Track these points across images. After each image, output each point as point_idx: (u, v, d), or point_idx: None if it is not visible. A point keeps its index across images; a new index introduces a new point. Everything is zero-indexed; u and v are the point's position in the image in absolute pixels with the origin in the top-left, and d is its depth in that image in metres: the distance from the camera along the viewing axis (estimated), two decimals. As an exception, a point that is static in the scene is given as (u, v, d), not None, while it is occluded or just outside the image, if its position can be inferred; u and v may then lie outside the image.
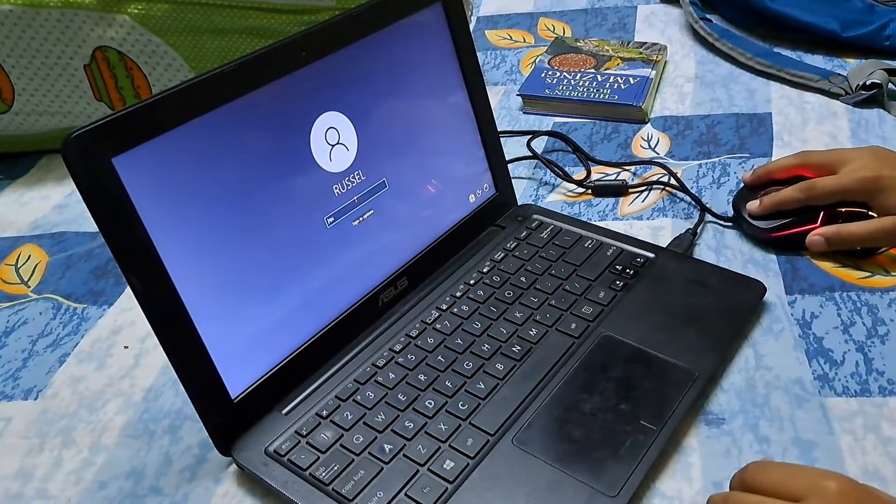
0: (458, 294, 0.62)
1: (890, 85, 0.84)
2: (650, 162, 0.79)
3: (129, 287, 0.46)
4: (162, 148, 0.47)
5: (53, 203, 0.86)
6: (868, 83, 0.84)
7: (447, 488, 0.48)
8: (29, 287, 0.73)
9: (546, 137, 0.86)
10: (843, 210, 0.64)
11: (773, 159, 0.78)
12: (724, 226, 0.70)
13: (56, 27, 0.82)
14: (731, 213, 0.71)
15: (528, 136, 0.84)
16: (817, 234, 0.64)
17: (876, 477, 0.48)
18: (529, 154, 0.82)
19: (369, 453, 0.50)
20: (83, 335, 0.66)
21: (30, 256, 0.77)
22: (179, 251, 0.48)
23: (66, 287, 0.72)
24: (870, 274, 0.63)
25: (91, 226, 0.79)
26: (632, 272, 0.63)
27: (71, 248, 0.77)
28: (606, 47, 1.00)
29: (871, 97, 0.84)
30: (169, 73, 0.86)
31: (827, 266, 0.64)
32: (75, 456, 0.56)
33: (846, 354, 0.56)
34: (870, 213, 0.64)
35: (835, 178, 0.64)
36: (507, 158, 0.72)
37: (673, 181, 0.75)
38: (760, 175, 0.70)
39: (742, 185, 0.72)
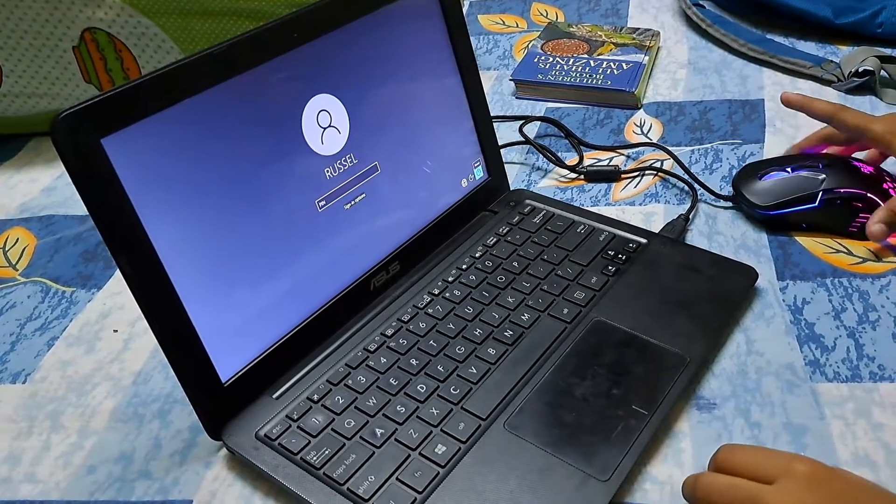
0: (451, 279, 0.62)
1: (882, 72, 0.84)
2: (648, 144, 0.79)
3: (118, 270, 0.46)
4: (152, 129, 0.46)
5: (42, 186, 0.85)
6: (860, 70, 0.84)
7: (439, 472, 0.48)
8: (17, 270, 0.72)
9: (538, 122, 0.86)
10: (842, 191, 0.65)
11: (765, 146, 0.78)
12: (721, 206, 0.71)
13: (44, 8, 0.81)
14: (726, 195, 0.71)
15: (521, 122, 0.84)
16: (875, 222, 0.63)
17: (866, 462, 0.48)
18: (522, 139, 0.81)
19: (361, 438, 0.50)
20: (72, 319, 0.66)
21: (18, 239, 0.76)
22: (169, 233, 0.48)
23: (55, 270, 0.72)
24: (861, 260, 0.63)
25: (80, 209, 0.78)
26: (624, 257, 0.63)
27: (59, 232, 0.77)
28: (599, 33, 0.99)
29: (864, 84, 0.84)
30: (159, 55, 0.85)
31: (819, 252, 0.64)
32: (64, 440, 0.55)
33: (837, 340, 0.56)
34: (868, 194, 0.64)
35: (863, 115, 0.65)
36: (499, 143, 0.72)
37: (667, 165, 0.75)
38: (796, 101, 0.70)
39: (743, 165, 0.72)
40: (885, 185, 0.65)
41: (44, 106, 0.87)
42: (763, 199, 0.67)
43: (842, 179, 0.65)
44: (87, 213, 0.44)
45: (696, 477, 0.45)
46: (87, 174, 0.44)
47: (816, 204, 0.65)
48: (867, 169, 0.67)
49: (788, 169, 0.68)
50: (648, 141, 0.80)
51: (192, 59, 0.48)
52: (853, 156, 0.71)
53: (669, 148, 0.78)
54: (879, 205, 0.64)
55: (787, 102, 0.70)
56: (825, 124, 0.70)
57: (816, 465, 0.42)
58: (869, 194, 0.64)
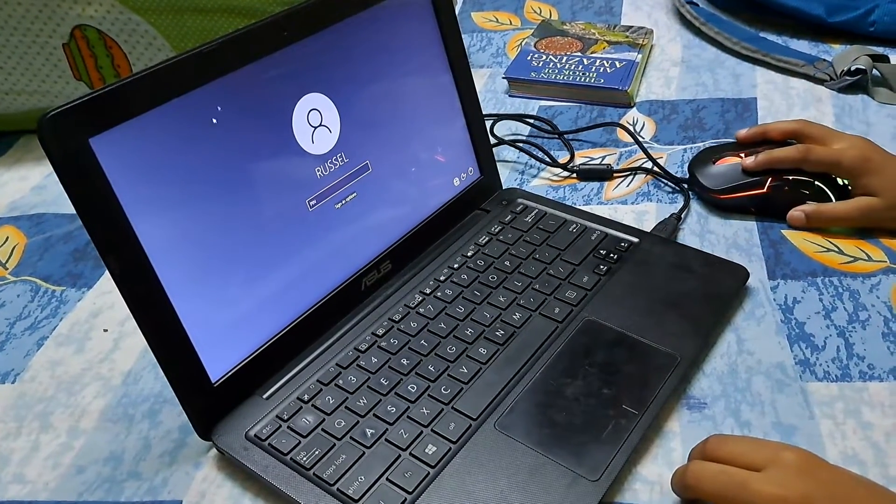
0: (442, 278, 0.62)
1: (874, 71, 0.84)
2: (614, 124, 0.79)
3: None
4: (141, 128, 0.46)
5: (32, 184, 0.84)
6: (853, 69, 0.84)
7: (429, 473, 0.48)
8: (7, 269, 0.72)
9: (531, 120, 0.86)
10: (791, 178, 0.67)
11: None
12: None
13: (34, 5, 0.81)
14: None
15: (506, 119, 0.83)
16: (799, 210, 0.66)
17: (855, 461, 0.48)
18: (515, 140, 0.81)
19: (351, 438, 0.50)
20: (62, 318, 0.66)
21: (7, 238, 0.76)
22: (158, 233, 0.47)
23: (45, 269, 0.71)
24: (852, 259, 0.63)
25: (70, 207, 0.76)
26: (616, 257, 0.63)
27: (49, 230, 0.76)
28: (593, 30, 0.99)
29: (856, 83, 0.84)
30: (150, 53, 0.84)
31: (809, 251, 0.64)
32: (53, 440, 0.55)
33: (827, 339, 0.56)
34: (816, 182, 0.66)
35: (831, 149, 0.66)
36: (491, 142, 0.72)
37: (653, 164, 0.75)
38: (756, 133, 0.71)
39: (700, 150, 0.74)
40: (833, 175, 0.67)
41: (34, 103, 0.87)
42: (714, 183, 0.70)
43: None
44: (76, 213, 0.44)
45: (686, 466, 0.46)
46: (74, 174, 0.43)
47: (764, 189, 0.67)
48: None
49: (742, 154, 0.70)
50: (639, 140, 0.80)
51: (182, 58, 0.48)
52: None
53: (662, 147, 0.78)
54: (825, 191, 0.66)
55: (744, 139, 0.71)
56: (812, 114, 0.72)
57: (804, 454, 0.43)
58: (816, 182, 0.66)
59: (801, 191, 0.66)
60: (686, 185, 0.72)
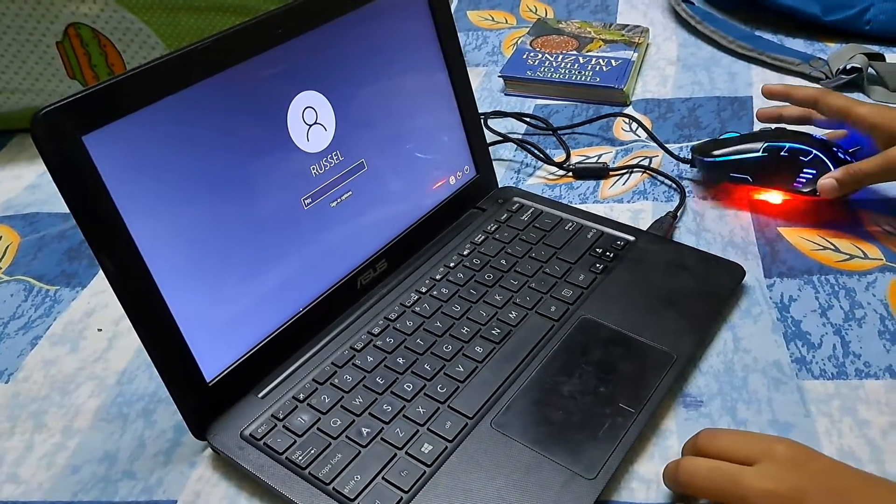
0: (438, 277, 0.62)
1: (870, 69, 0.84)
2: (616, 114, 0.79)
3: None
4: (134, 126, 0.46)
5: (26, 183, 0.84)
6: (848, 67, 0.84)
7: (425, 472, 0.47)
8: (0, 269, 0.72)
9: (527, 119, 0.85)
10: (787, 144, 0.67)
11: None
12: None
13: (28, 2, 0.80)
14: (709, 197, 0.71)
15: (501, 117, 0.83)
16: (829, 177, 0.64)
17: (851, 458, 0.48)
18: (512, 137, 0.81)
19: (346, 437, 0.50)
20: (56, 317, 0.65)
21: (1, 237, 0.76)
22: (152, 232, 0.47)
23: (39, 268, 0.71)
24: (848, 257, 0.63)
25: (64, 206, 0.76)
26: (612, 255, 0.63)
27: (43, 229, 0.76)
28: (588, 29, 0.99)
29: (851, 81, 0.84)
30: (144, 51, 0.84)
31: (806, 249, 0.64)
32: (47, 440, 0.55)
33: (823, 337, 0.56)
34: (815, 151, 0.65)
35: (851, 99, 0.65)
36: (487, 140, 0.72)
37: (654, 162, 0.75)
38: (778, 91, 0.71)
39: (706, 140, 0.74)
40: (833, 149, 0.66)
41: (27, 102, 0.86)
42: (710, 150, 0.70)
43: (788, 135, 0.67)
44: (70, 211, 0.44)
45: (678, 462, 0.46)
46: (68, 172, 0.43)
47: (759, 153, 0.67)
48: (819, 135, 0.68)
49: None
50: (636, 139, 0.80)
51: (176, 55, 0.47)
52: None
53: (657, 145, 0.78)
54: (824, 161, 0.65)
55: (769, 94, 0.71)
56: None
57: (796, 447, 0.43)
58: (815, 151, 0.65)
59: (800, 157, 0.66)
60: (689, 167, 0.74)
